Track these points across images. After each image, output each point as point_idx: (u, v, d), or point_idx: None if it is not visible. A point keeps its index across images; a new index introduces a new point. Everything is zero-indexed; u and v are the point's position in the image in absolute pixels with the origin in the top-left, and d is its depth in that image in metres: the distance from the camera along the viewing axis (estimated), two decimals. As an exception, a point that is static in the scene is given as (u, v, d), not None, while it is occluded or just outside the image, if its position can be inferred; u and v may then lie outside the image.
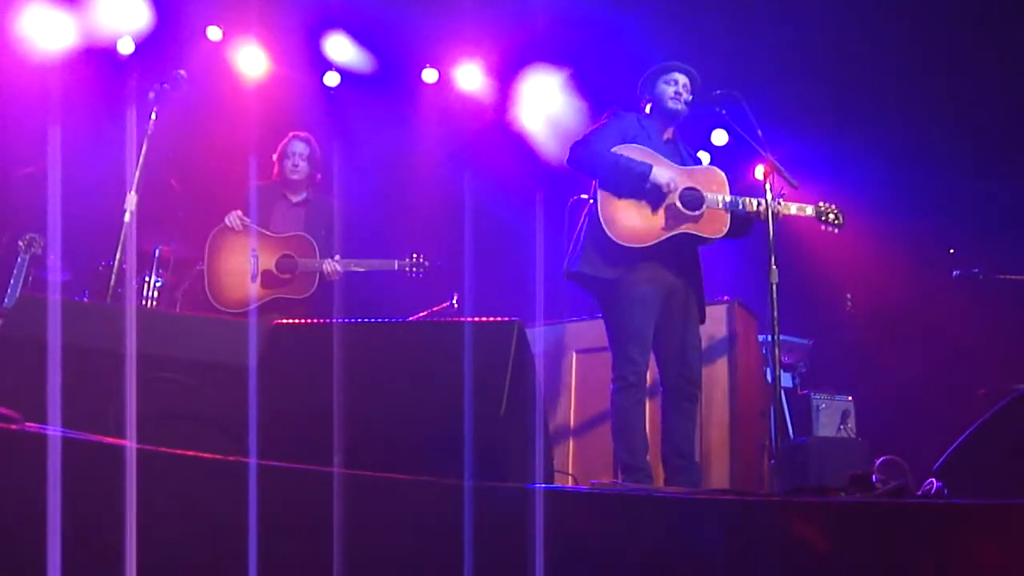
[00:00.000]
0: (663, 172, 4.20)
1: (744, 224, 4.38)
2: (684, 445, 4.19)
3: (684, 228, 4.23)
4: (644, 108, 4.57)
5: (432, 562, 2.14)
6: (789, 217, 4.41)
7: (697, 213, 4.24)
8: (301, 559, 2.14)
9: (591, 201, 4.33)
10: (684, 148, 4.56)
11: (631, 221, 4.21)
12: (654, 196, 4.21)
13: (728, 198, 4.28)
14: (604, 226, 4.18)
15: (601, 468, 4.89)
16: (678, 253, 4.28)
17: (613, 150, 4.26)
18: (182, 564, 2.14)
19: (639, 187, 4.19)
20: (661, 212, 4.22)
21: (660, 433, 4.26)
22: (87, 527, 2.11)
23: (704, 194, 4.26)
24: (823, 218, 4.43)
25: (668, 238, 4.20)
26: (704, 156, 6.19)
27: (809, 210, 4.42)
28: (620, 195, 4.22)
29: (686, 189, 4.25)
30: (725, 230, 4.28)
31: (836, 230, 4.47)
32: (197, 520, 2.19)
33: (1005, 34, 6.13)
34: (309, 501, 2.18)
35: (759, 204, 4.27)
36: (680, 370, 4.22)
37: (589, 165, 4.31)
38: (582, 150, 4.32)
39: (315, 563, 2.09)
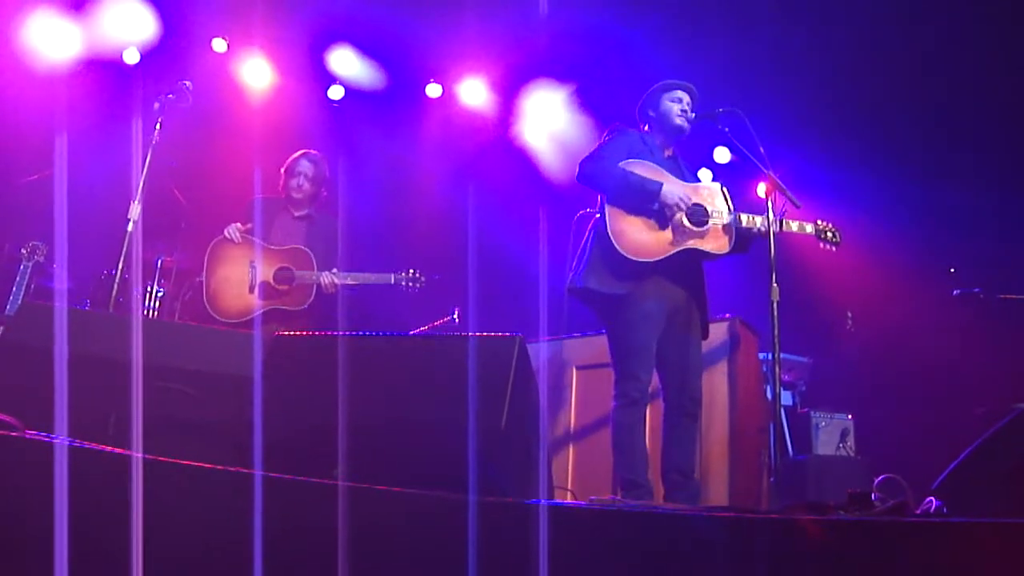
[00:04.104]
0: (674, 190, 4.22)
1: (745, 241, 4.40)
2: (683, 462, 4.18)
3: (690, 244, 4.24)
4: (643, 127, 4.59)
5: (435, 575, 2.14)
6: (790, 235, 4.47)
7: (703, 229, 4.26)
8: (305, 571, 2.14)
9: (597, 216, 4.33)
10: (684, 165, 4.59)
11: (639, 236, 4.22)
12: (662, 214, 4.23)
13: (731, 214, 4.31)
14: (613, 240, 4.17)
15: (600, 484, 4.88)
16: (683, 269, 4.29)
17: (621, 165, 4.28)
18: (186, 574, 2.14)
19: (647, 205, 4.22)
20: (668, 228, 4.25)
21: (660, 450, 4.25)
22: (90, 536, 2.11)
23: (709, 210, 4.28)
24: (821, 236, 4.51)
25: (674, 253, 4.22)
26: (706, 173, 6.20)
27: (809, 228, 4.50)
28: (628, 211, 4.24)
29: (693, 205, 4.27)
30: (729, 246, 4.30)
31: (834, 248, 4.54)
32: (201, 530, 2.19)
33: (1010, 52, 6.14)
34: (313, 513, 2.18)
35: (760, 221, 4.30)
36: (681, 387, 4.23)
37: (598, 181, 4.31)
38: (592, 166, 4.33)
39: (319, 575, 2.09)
